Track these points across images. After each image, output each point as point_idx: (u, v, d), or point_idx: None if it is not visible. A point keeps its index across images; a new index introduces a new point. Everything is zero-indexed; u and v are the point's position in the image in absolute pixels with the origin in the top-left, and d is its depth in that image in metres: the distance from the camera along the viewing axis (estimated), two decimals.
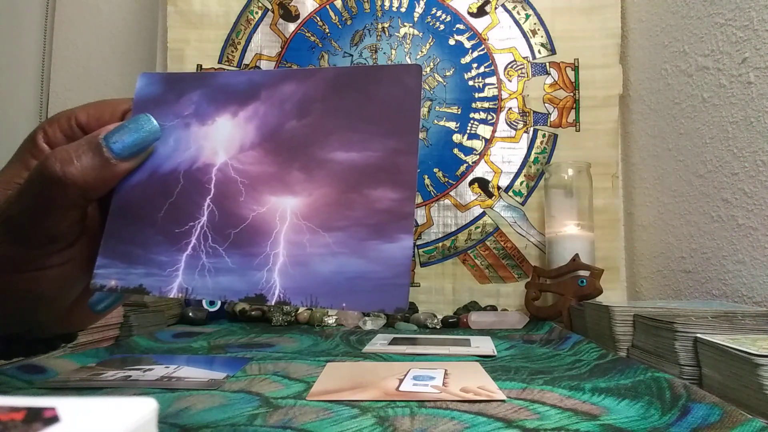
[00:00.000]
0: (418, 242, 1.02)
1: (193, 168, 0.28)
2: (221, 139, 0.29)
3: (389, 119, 0.27)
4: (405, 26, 1.07)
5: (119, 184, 0.28)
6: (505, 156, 1.03)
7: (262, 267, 0.26)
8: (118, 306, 0.30)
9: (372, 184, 0.26)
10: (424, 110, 1.05)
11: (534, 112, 1.04)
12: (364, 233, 0.26)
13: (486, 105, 1.04)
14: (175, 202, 0.28)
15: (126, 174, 0.28)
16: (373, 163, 0.27)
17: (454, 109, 1.05)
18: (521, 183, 1.03)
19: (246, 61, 1.07)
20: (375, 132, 0.27)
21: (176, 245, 0.27)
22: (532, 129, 1.04)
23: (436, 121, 1.04)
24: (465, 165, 1.03)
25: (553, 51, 1.04)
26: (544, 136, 1.03)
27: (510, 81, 1.05)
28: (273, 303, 0.25)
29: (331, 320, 0.86)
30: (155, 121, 0.28)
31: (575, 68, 1.03)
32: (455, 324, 0.87)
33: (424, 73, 1.05)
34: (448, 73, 1.05)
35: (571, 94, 1.03)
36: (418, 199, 1.03)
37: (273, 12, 1.08)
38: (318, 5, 1.08)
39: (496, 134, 1.04)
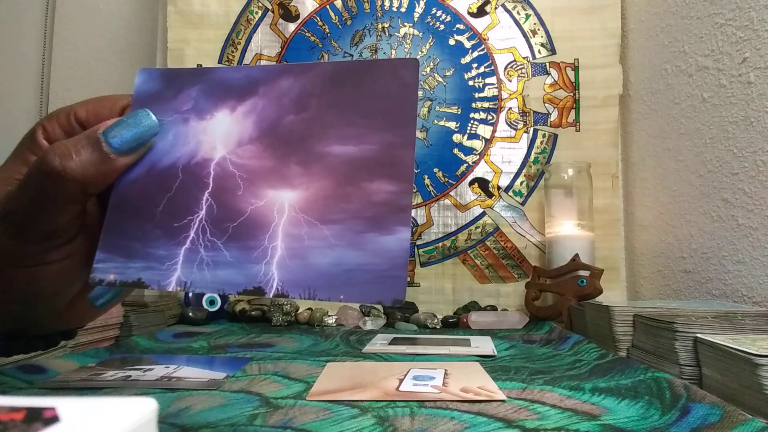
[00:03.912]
0: (418, 242, 1.02)
1: (192, 163, 0.28)
2: (220, 134, 0.29)
3: (386, 113, 0.27)
4: (405, 26, 1.07)
5: (118, 179, 0.28)
6: (505, 156, 1.03)
7: (260, 260, 0.26)
8: (118, 302, 0.30)
9: (369, 177, 0.26)
10: (424, 110, 1.05)
11: (534, 112, 1.04)
12: (362, 226, 0.26)
13: (486, 105, 1.04)
14: (173, 197, 0.28)
15: (125, 169, 0.28)
16: (370, 156, 0.27)
17: (454, 109, 1.05)
18: (521, 183, 1.03)
19: (246, 61, 1.07)
20: (372, 126, 0.27)
21: (175, 239, 0.27)
22: (532, 129, 1.04)
23: (436, 121, 1.04)
24: (465, 165, 1.03)
25: (553, 51, 1.04)
26: (544, 136, 1.03)
27: (510, 81, 1.05)
28: (271, 295, 0.25)
29: (331, 320, 0.86)
30: (154, 117, 0.28)
31: (575, 68, 1.03)
32: (455, 324, 0.87)
33: (424, 73, 1.05)
34: (448, 73, 1.05)
35: (571, 94, 1.03)
36: (419, 199, 1.03)
37: (273, 12, 1.08)
38: (318, 5, 1.08)
39: (496, 134, 1.04)
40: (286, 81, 0.29)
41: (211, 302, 0.87)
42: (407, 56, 1.06)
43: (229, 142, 0.28)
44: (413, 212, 1.02)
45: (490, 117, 1.04)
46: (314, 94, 0.28)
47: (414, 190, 1.02)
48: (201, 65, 1.07)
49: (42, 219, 0.26)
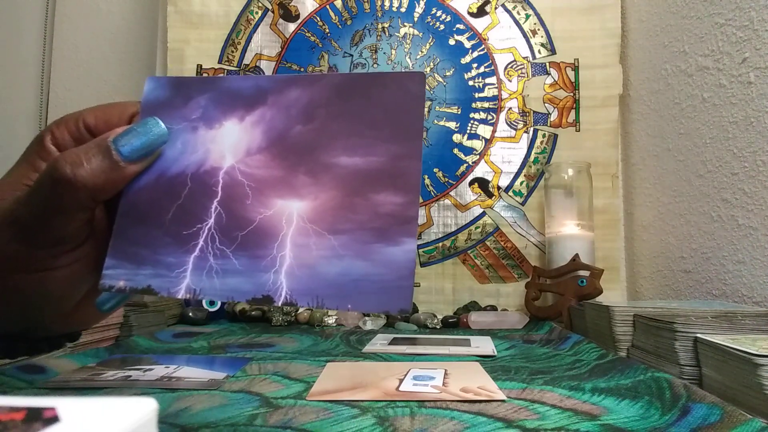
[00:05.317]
0: (419, 242, 1.02)
1: (201, 171, 0.29)
2: (228, 143, 0.29)
3: (393, 125, 0.27)
4: (405, 26, 1.07)
5: (127, 186, 0.29)
6: (505, 156, 1.03)
7: (268, 269, 0.26)
8: (122, 305, 0.30)
9: (376, 189, 0.27)
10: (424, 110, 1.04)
11: (534, 112, 1.04)
12: (369, 236, 0.26)
13: (486, 105, 1.04)
14: (182, 205, 0.28)
15: (134, 176, 0.28)
16: (376, 167, 0.27)
17: (454, 109, 1.05)
18: (521, 183, 1.03)
19: (246, 61, 1.07)
20: (379, 137, 0.27)
21: (184, 247, 0.28)
22: (532, 129, 1.04)
23: (436, 121, 1.04)
24: (465, 165, 1.03)
25: (553, 51, 1.04)
26: (544, 136, 1.03)
27: (510, 81, 1.05)
28: (280, 304, 0.26)
29: (331, 320, 0.86)
30: (163, 125, 0.29)
31: (575, 68, 1.03)
32: (455, 324, 0.87)
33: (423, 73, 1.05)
34: (448, 73, 1.05)
35: (571, 94, 1.03)
36: (419, 200, 1.03)
37: (273, 12, 1.08)
38: (318, 5, 1.08)
39: (496, 134, 1.04)
40: (294, 91, 0.29)
41: (211, 302, 0.87)
42: (407, 56, 1.06)
43: (238, 151, 0.29)
44: None
45: (490, 117, 1.04)
46: (322, 104, 0.29)
47: None
48: (201, 65, 1.07)
49: (51, 225, 0.27)
